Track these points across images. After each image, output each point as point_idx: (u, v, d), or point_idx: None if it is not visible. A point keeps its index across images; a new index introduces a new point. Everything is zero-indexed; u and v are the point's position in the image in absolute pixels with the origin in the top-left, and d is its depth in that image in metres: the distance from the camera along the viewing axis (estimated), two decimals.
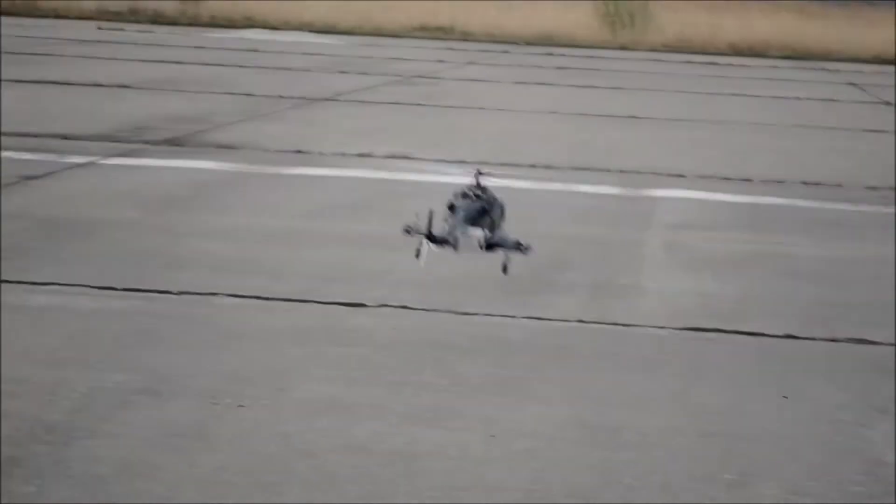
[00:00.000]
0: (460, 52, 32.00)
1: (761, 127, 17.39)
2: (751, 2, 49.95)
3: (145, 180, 11.11)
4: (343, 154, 12.85)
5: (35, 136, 12.98)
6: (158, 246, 8.32)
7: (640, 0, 40.63)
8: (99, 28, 34.34)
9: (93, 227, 8.78)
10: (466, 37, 39.05)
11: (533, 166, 12.48)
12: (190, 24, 38.99)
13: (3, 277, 7.04)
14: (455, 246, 20.00)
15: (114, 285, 7.06)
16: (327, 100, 18.23)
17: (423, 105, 18.06)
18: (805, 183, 12.33)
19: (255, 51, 28.24)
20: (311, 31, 38.64)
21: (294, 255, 8.29)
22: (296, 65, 24.62)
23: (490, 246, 20.54)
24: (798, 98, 22.53)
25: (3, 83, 17.81)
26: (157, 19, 39.84)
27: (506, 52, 33.37)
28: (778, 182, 12.32)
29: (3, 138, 12.59)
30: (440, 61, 27.67)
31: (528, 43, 37.78)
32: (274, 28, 38.76)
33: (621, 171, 12.49)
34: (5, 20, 35.91)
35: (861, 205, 11.36)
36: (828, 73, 30.74)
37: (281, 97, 18.12)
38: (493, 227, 20.03)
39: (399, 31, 39.66)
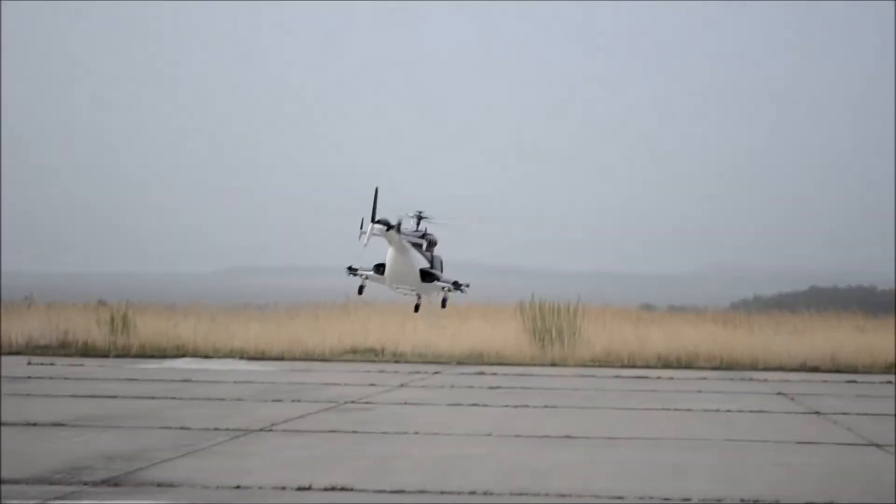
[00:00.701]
0: (392, 374, 32.26)
1: (695, 442, 17.61)
2: (675, 313, 50.93)
3: None
4: (283, 487, 12.92)
5: None
6: None
7: (567, 316, 41.22)
8: (29, 363, 34.38)
9: None
10: (397, 358, 39.38)
11: (472, 493, 12.60)
12: (120, 356, 39.11)
13: None
14: (398, 229, 21.02)
15: None
16: (262, 430, 18.31)
17: (359, 432, 18.18)
18: (743, 500, 12.51)
19: (188, 381, 28.36)
20: (241, 357, 38.86)
21: None
22: (229, 394, 24.72)
23: (427, 276, 21.65)
24: (729, 410, 22.83)
25: None
26: (88, 352, 39.97)
27: (437, 372, 33.64)
28: (717, 500, 12.49)
29: None
30: (372, 385, 27.88)
31: (459, 362, 38.16)
32: (205, 356, 38.97)
33: (560, 495, 12.62)
34: None
35: None
36: (756, 384, 31.18)
37: (216, 429, 18.18)
38: (431, 263, 21.44)
39: (329, 355, 39.94)
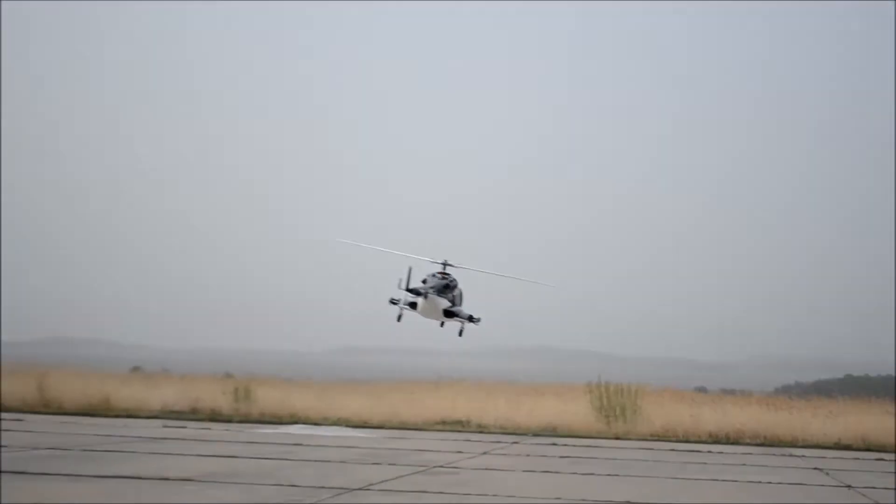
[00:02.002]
0: (476, 442, 32.13)
1: None
2: (726, 396, 50.38)
3: None
4: None
5: None
6: None
7: (630, 395, 41.01)
8: (164, 426, 34.66)
9: None
10: (481, 429, 39.30)
11: None
12: (242, 421, 39.35)
13: None
14: (425, 296, 23.34)
15: None
16: (361, 489, 18.27)
17: (444, 493, 18.08)
18: None
19: (299, 444, 28.43)
20: (347, 425, 38.95)
21: None
22: (333, 457, 24.73)
23: (449, 314, 23.74)
24: (770, 482, 22.47)
25: (84, 478, 17.95)
26: (215, 417, 40.26)
27: (515, 442, 33.49)
28: None
29: None
30: (458, 451, 27.78)
31: (535, 434, 37.98)
32: (315, 423, 39.11)
33: None
34: (83, 420, 36.34)
35: None
36: (795, 459, 30.71)
37: (322, 487, 18.19)
38: (453, 301, 23.47)
39: (422, 425, 39.93)
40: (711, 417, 40.44)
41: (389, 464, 23.35)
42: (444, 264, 24.22)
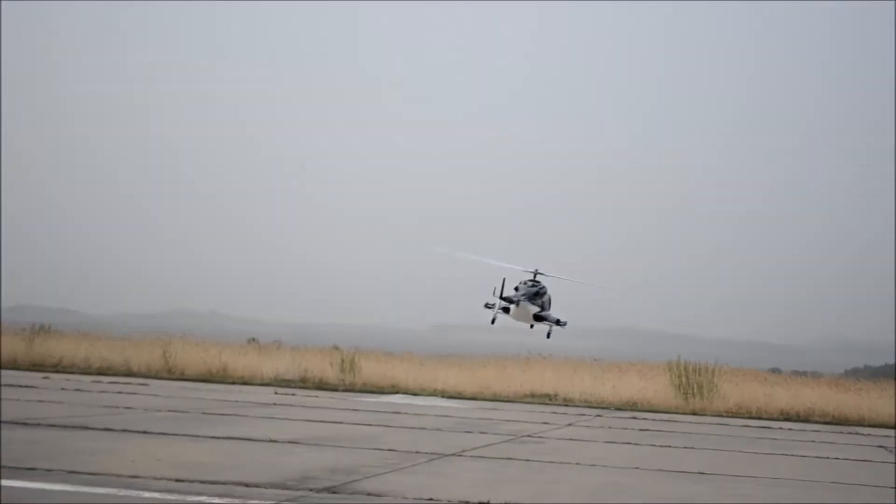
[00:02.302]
0: (562, 415, 32.04)
1: (807, 484, 17.07)
2: (798, 377, 49.71)
3: None
4: (466, 502, 12.88)
5: (223, 483, 13.22)
6: None
7: (707, 374, 40.68)
8: (276, 393, 35.05)
9: None
10: (567, 402, 39.22)
11: None
12: (347, 390, 39.67)
13: None
14: (517, 303, 24.50)
15: None
16: (454, 455, 18.30)
17: (531, 461, 18.05)
18: None
19: (398, 412, 28.57)
20: (442, 396, 39.10)
21: None
22: (430, 425, 24.81)
23: (538, 318, 24.86)
24: (837, 458, 22.12)
25: (201, 438, 18.24)
26: (322, 385, 40.64)
27: (599, 415, 33.33)
28: None
29: (197, 485, 12.87)
30: (545, 423, 27.72)
31: (617, 408, 37.82)
32: (414, 394, 39.31)
33: None
34: (205, 386, 36.89)
35: None
36: (861, 437, 30.19)
37: (418, 452, 18.24)
38: (542, 307, 24.38)
39: (512, 397, 39.97)
40: (783, 396, 40.00)
41: (481, 432, 23.37)
42: (536, 273, 24.89)
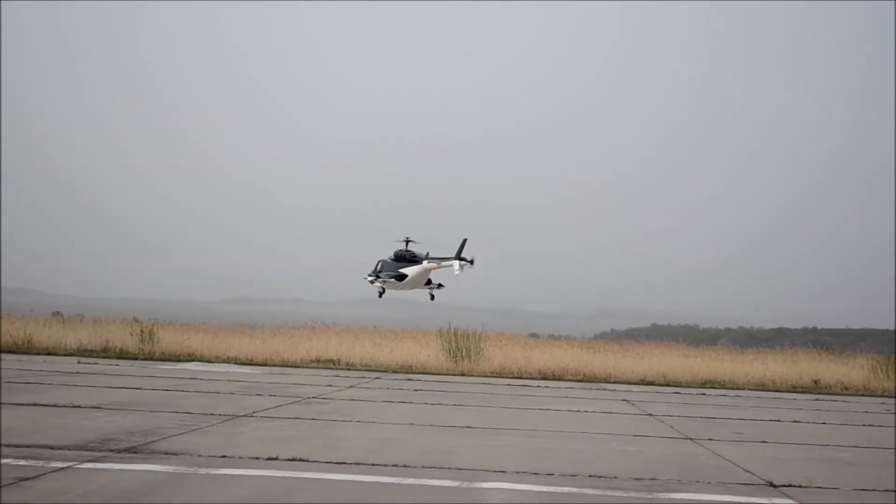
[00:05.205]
0: (344, 378, 32.15)
1: (560, 434, 17.68)
2: (553, 340, 51.27)
3: (109, 480, 10.97)
4: (257, 457, 12.84)
5: (28, 446, 12.80)
6: None
7: (474, 339, 41.47)
8: (78, 362, 33.94)
9: None
10: (349, 366, 39.32)
11: (395, 465, 12.59)
12: (146, 359, 38.77)
13: None
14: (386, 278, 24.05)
15: None
16: (245, 416, 18.17)
17: (316, 419, 18.10)
18: (591, 476, 12.59)
19: (194, 378, 28.13)
20: (235, 363, 38.65)
21: None
22: (222, 389, 24.53)
23: (428, 281, 24.97)
24: (587, 411, 22.96)
25: (6, 406, 17.56)
26: (122, 355, 39.57)
27: (377, 377, 33.58)
28: (572, 475, 12.56)
29: (3, 448, 12.42)
30: (329, 385, 27.78)
31: (394, 371, 38.15)
32: (208, 361, 38.73)
33: (459, 469, 12.64)
34: (10, 356, 35.40)
35: (630, 492, 11.63)
36: (607, 392, 31.38)
37: (211, 414, 18.04)
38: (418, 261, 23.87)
39: (299, 363, 39.83)
40: (541, 358, 41.15)
41: (270, 395, 23.25)
42: (406, 241, 25.37)
